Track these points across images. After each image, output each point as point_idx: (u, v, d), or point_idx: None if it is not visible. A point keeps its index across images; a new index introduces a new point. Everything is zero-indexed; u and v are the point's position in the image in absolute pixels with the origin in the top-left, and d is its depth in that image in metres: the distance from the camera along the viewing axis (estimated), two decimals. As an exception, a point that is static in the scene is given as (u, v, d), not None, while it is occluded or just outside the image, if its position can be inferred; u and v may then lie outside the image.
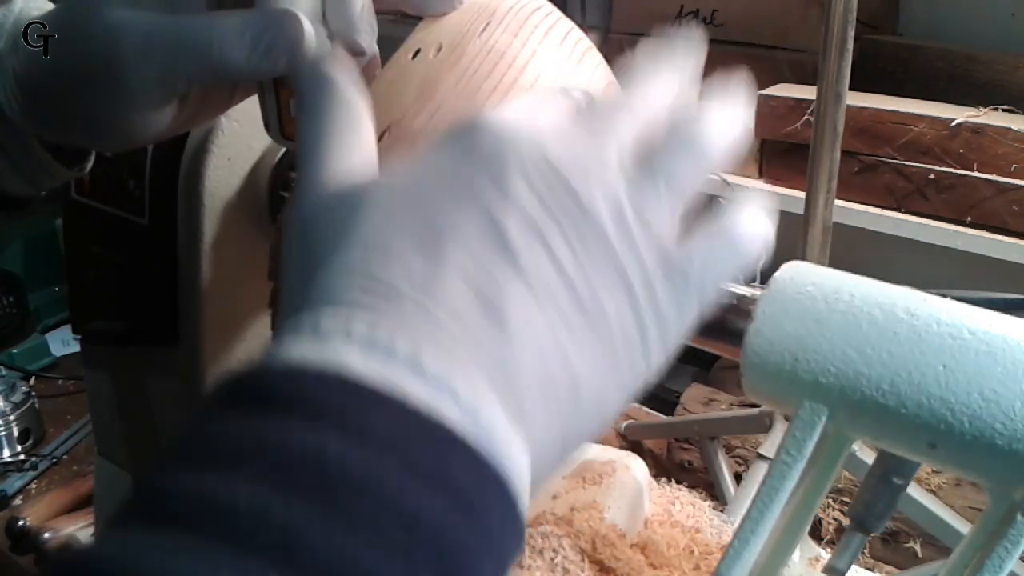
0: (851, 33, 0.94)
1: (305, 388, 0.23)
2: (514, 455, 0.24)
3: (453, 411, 0.23)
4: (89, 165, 0.45)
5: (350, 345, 0.24)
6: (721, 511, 0.81)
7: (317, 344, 0.24)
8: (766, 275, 0.35)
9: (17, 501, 1.25)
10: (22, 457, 1.32)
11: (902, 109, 1.17)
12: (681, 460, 1.10)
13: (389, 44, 0.42)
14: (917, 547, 0.95)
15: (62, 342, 1.59)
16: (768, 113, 1.29)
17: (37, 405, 1.37)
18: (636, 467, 0.63)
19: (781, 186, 1.33)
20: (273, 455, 0.21)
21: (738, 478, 1.05)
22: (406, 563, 0.21)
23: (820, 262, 1.04)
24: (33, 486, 1.28)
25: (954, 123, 1.13)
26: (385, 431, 0.22)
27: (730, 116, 0.30)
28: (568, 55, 0.44)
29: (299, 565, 0.20)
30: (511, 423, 0.24)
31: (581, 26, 0.45)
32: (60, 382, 1.51)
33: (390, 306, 0.25)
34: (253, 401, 0.23)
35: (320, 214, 0.29)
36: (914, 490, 0.88)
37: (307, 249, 0.28)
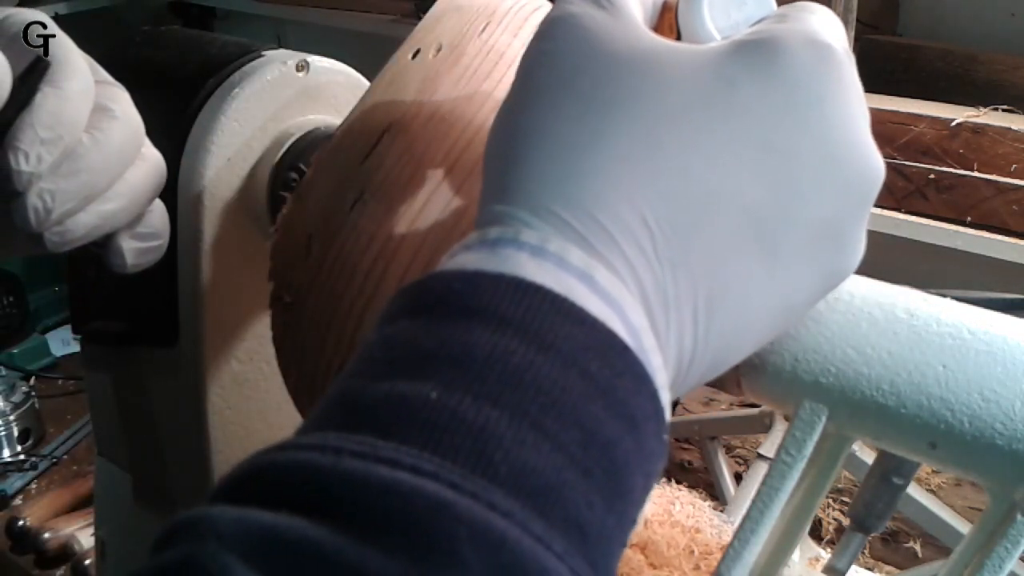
0: (851, 33, 0.94)
1: (483, 293, 0.23)
2: (664, 381, 0.24)
3: (620, 328, 0.23)
4: None
5: (521, 252, 0.24)
6: (721, 511, 0.81)
7: (487, 252, 0.24)
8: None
9: (17, 501, 1.25)
10: (22, 457, 1.32)
11: (902, 109, 1.17)
12: (681, 460, 1.10)
13: (389, 44, 0.42)
14: (917, 547, 0.95)
15: (62, 342, 1.59)
16: (768, 113, 1.29)
17: (37, 405, 1.38)
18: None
19: (781, 186, 1.33)
20: (460, 361, 0.21)
21: (738, 478, 1.05)
22: (585, 480, 0.21)
23: (820, 262, 1.04)
24: (33, 486, 1.28)
25: (954, 123, 1.13)
26: (566, 341, 0.22)
27: None
28: (568, 55, 0.44)
29: (493, 470, 0.20)
30: (662, 351, 0.25)
31: (581, 26, 0.45)
32: (60, 382, 1.51)
33: (569, 220, 0.25)
34: (431, 307, 0.23)
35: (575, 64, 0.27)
36: (914, 490, 0.89)
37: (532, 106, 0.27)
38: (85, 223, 0.40)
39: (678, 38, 0.31)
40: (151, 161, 0.43)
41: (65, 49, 0.39)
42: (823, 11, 0.29)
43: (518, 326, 0.22)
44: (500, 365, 0.21)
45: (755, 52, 0.27)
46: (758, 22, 0.30)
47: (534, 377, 0.21)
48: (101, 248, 0.43)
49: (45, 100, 0.37)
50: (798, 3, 0.30)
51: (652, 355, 0.24)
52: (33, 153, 0.36)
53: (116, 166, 0.40)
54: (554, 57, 0.27)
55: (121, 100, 0.41)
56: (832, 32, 0.28)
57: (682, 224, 0.25)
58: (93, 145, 0.39)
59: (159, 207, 0.45)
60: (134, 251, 0.44)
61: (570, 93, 0.26)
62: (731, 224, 0.25)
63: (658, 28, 0.32)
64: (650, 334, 0.24)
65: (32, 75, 0.37)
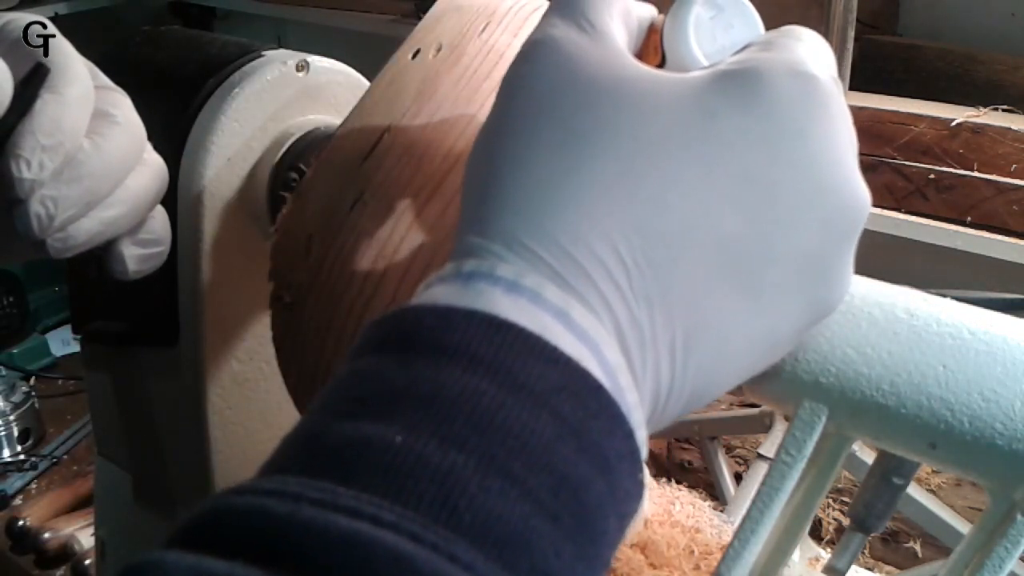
0: (851, 33, 0.94)
1: (455, 330, 0.22)
2: (640, 419, 0.24)
3: (595, 366, 0.23)
4: None
5: (495, 288, 0.23)
6: (721, 511, 0.81)
7: (461, 286, 0.23)
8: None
9: (17, 501, 1.25)
10: (22, 457, 1.32)
11: (902, 109, 1.17)
12: (681, 460, 1.10)
13: (389, 44, 0.42)
14: (917, 547, 0.95)
15: (62, 342, 1.59)
16: (768, 113, 1.28)
17: (37, 405, 1.38)
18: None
19: (781, 186, 1.33)
20: (429, 402, 0.21)
21: (738, 478, 1.06)
22: (552, 526, 0.21)
23: (820, 262, 1.04)
24: (33, 486, 1.28)
25: (954, 123, 1.13)
26: (538, 381, 0.22)
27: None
28: (568, 55, 0.44)
29: (456, 518, 0.19)
30: (638, 387, 0.24)
31: (581, 26, 0.45)
32: (60, 382, 1.52)
33: (544, 256, 0.24)
34: (402, 343, 0.23)
35: (559, 94, 0.26)
36: (914, 490, 0.89)
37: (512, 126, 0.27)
38: (87, 229, 0.39)
39: (663, 61, 0.30)
40: (153, 166, 0.43)
41: (65, 55, 0.38)
42: (810, 37, 0.29)
43: (489, 365, 0.22)
44: (469, 407, 0.21)
45: (737, 83, 0.26)
46: (744, 48, 0.29)
47: (504, 419, 0.21)
48: (103, 254, 0.43)
49: (45, 107, 0.37)
50: (785, 28, 0.29)
51: (627, 393, 0.23)
52: (35, 160, 0.36)
53: (118, 172, 0.40)
54: (533, 82, 0.27)
55: (122, 105, 0.41)
56: (818, 61, 0.27)
57: (659, 259, 0.25)
58: (95, 151, 0.38)
59: (160, 213, 0.45)
60: (136, 257, 0.44)
61: (548, 122, 0.26)
62: (710, 259, 0.25)
63: (643, 50, 0.31)
64: (626, 372, 0.24)
65: (32, 81, 0.37)
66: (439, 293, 0.24)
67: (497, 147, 0.27)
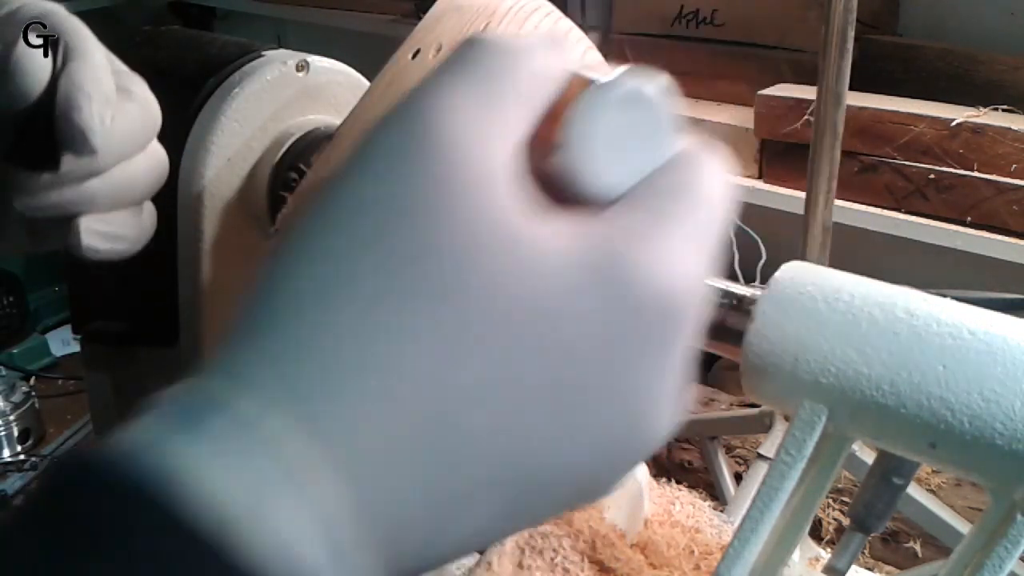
0: (851, 33, 0.94)
1: (123, 515, 0.18)
2: None
3: (264, 536, 0.18)
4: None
5: (196, 445, 0.19)
6: (721, 511, 0.81)
7: (167, 431, 0.20)
8: (766, 275, 0.35)
9: (17, 501, 1.25)
10: (22, 457, 1.32)
11: (902, 109, 1.17)
12: (681, 460, 1.10)
13: (389, 44, 0.42)
14: (917, 547, 0.95)
15: (62, 342, 1.59)
16: (768, 113, 1.29)
17: (37, 405, 1.38)
18: (636, 467, 0.64)
19: (781, 186, 1.33)
20: None
21: (738, 478, 1.06)
22: None
23: (820, 262, 1.04)
24: (33, 486, 1.28)
25: (954, 123, 1.13)
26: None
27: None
28: (568, 55, 0.44)
29: None
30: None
31: (581, 26, 0.45)
32: (60, 382, 1.51)
33: (277, 428, 0.20)
34: (59, 525, 0.18)
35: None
36: (914, 490, 0.89)
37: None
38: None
39: (557, 147, 0.25)
40: (157, 155, 0.43)
41: (76, 29, 0.39)
42: (712, 187, 0.25)
43: (107, 555, 0.17)
44: None
45: (595, 288, 0.22)
46: (641, 183, 0.25)
47: None
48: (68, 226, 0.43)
49: (78, 71, 0.37)
50: (693, 163, 0.25)
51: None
52: (95, 112, 0.37)
53: (138, 140, 0.40)
54: (378, 166, 0.23)
55: (141, 84, 0.42)
56: (693, 250, 0.24)
57: (429, 464, 0.21)
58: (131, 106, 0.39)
59: (148, 209, 0.45)
60: (94, 232, 0.41)
61: (369, 249, 0.22)
62: (479, 475, 0.22)
63: (547, 123, 0.26)
64: (312, 544, 0.19)
65: (56, 54, 0.38)
66: (139, 432, 0.20)
67: (297, 244, 0.22)
